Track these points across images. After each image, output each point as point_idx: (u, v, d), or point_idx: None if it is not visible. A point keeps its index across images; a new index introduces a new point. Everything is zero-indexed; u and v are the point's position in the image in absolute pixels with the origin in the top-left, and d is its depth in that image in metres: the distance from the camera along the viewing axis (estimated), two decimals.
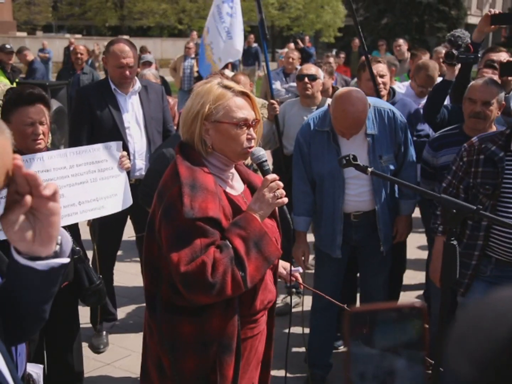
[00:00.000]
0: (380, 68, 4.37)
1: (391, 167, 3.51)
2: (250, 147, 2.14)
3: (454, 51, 3.91)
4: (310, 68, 4.64)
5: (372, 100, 3.51)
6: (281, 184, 2.10)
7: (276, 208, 2.21)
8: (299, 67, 7.92)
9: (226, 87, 2.13)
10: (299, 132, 3.63)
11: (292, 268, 2.51)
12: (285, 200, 2.11)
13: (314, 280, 3.82)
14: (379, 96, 4.13)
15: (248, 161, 2.30)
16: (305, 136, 3.55)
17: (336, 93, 3.40)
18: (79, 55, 8.60)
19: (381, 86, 4.30)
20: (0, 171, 1.16)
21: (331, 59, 7.41)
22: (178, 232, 2.00)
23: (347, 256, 3.71)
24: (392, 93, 4.46)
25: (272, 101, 4.61)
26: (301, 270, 2.56)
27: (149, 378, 2.28)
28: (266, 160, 2.18)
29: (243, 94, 2.16)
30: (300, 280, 2.55)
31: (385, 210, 3.54)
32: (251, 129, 2.14)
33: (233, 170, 2.27)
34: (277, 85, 7.46)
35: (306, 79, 4.50)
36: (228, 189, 2.18)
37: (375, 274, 3.74)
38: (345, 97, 3.28)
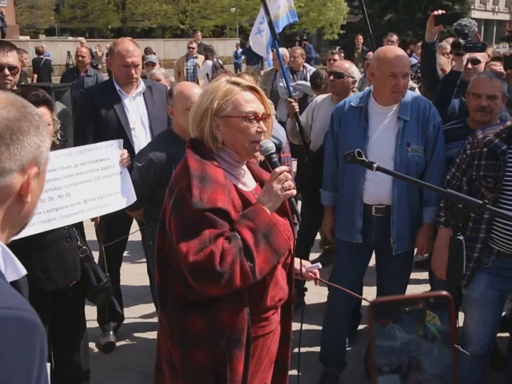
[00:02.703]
0: None
1: (418, 160, 3.35)
2: (259, 141, 2.15)
3: (461, 40, 3.90)
4: (340, 65, 4.60)
5: (410, 92, 3.48)
6: (289, 176, 2.11)
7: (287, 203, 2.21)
8: (306, 64, 7.92)
9: (234, 83, 2.16)
10: (334, 109, 3.61)
11: (311, 265, 2.49)
12: (294, 192, 2.11)
13: (331, 279, 3.75)
14: None
15: (262, 157, 2.30)
16: (338, 112, 3.53)
17: (376, 51, 3.53)
18: (80, 58, 8.64)
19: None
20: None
21: (336, 56, 7.40)
22: (187, 223, 2.01)
23: (367, 259, 3.63)
24: None
25: (290, 99, 4.62)
26: (320, 266, 2.52)
27: (162, 375, 2.30)
28: (274, 153, 2.17)
29: (251, 89, 2.18)
30: (318, 276, 2.52)
31: (403, 205, 3.37)
32: (261, 122, 2.15)
33: (245, 168, 2.28)
34: (284, 83, 7.45)
35: (332, 77, 4.51)
36: (239, 185, 2.19)
37: (395, 281, 3.56)
38: (384, 46, 3.60)
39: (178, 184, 2.09)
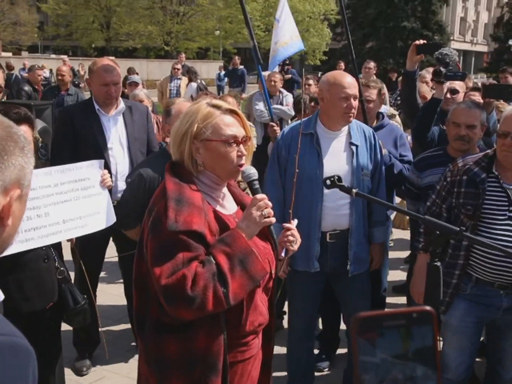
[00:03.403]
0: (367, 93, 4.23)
1: (368, 184, 3.41)
2: (241, 165, 2.15)
3: (442, 69, 3.97)
4: None
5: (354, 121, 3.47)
6: (269, 203, 2.09)
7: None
8: (282, 90, 8.00)
9: (214, 106, 2.15)
10: (280, 136, 3.54)
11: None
12: (273, 220, 2.10)
13: (288, 314, 3.69)
14: (365, 121, 3.97)
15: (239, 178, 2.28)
16: (285, 139, 3.44)
17: (323, 76, 3.51)
18: (60, 77, 8.66)
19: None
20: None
21: (311, 81, 7.50)
22: (162, 246, 1.99)
23: (322, 287, 3.55)
24: (381, 117, 4.32)
25: (272, 123, 4.60)
26: (283, 254, 2.41)
27: None
28: (256, 179, 2.17)
29: (232, 112, 2.17)
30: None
31: (360, 228, 3.38)
32: (241, 146, 2.14)
33: (225, 190, 2.27)
34: (260, 106, 7.52)
35: (313, 103, 4.51)
36: (218, 208, 2.18)
37: (356, 304, 3.50)
38: (332, 72, 3.55)
39: (156, 205, 2.08)
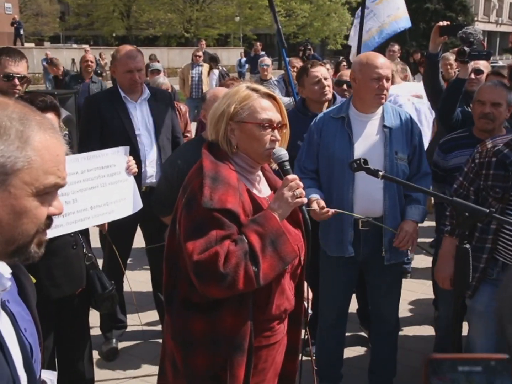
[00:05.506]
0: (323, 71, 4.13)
1: (404, 169, 3.32)
2: (273, 148, 2.15)
3: (466, 48, 3.90)
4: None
5: (388, 103, 3.44)
6: (301, 184, 2.10)
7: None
8: None
9: (253, 90, 2.17)
10: (313, 121, 3.52)
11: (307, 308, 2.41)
12: (305, 200, 2.11)
13: (320, 302, 3.63)
14: None
15: (275, 166, 2.28)
16: (317, 123, 3.43)
17: (356, 57, 3.49)
18: (89, 63, 8.65)
19: (327, 89, 4.06)
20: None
21: (327, 66, 7.43)
22: (196, 222, 2.01)
23: (355, 275, 3.54)
24: (332, 99, 4.24)
25: None
26: (310, 312, 2.42)
27: (165, 375, 2.29)
28: (287, 160, 2.17)
29: (270, 97, 2.19)
30: (309, 311, 2.41)
31: (395, 215, 3.31)
32: (276, 131, 2.15)
33: (260, 174, 2.29)
34: (277, 93, 7.48)
35: (345, 86, 4.45)
36: (253, 190, 2.19)
37: (387, 294, 3.51)
38: (366, 52, 3.56)
39: (191, 182, 2.10)
